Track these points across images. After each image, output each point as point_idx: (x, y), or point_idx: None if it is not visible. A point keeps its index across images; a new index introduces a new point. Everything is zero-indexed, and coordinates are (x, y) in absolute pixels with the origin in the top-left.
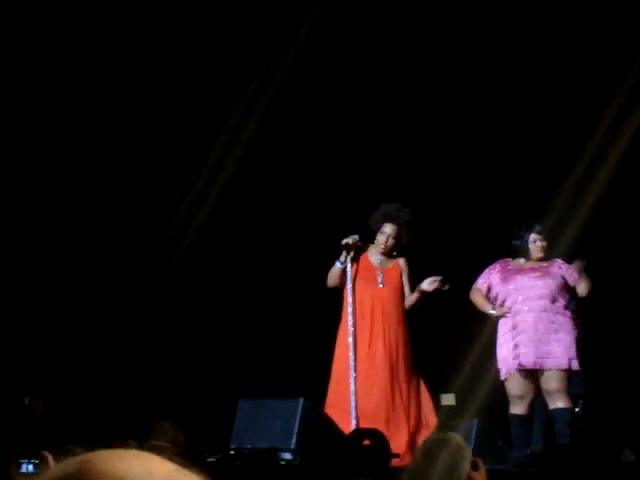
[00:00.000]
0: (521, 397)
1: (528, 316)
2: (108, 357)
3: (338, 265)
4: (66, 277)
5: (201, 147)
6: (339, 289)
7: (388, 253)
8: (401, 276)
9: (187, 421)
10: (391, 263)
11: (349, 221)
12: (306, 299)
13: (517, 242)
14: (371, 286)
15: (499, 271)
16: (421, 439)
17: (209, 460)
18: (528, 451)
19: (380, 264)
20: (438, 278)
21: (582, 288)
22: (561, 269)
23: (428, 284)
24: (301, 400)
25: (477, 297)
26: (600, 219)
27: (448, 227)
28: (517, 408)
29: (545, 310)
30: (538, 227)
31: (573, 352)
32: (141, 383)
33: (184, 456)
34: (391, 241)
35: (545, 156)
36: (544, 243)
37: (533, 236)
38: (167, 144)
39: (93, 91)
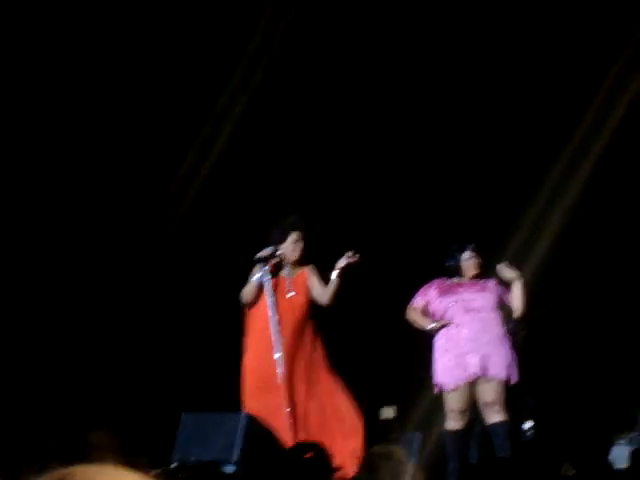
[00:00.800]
0: (462, 411)
1: (471, 327)
2: (46, 368)
3: (254, 280)
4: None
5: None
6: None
7: (297, 262)
8: (307, 281)
9: (129, 434)
10: (297, 272)
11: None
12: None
13: (451, 262)
14: (281, 296)
15: (436, 288)
16: (352, 446)
17: (151, 473)
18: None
19: (289, 274)
20: (348, 253)
21: (517, 305)
22: (496, 286)
23: (341, 262)
24: (244, 413)
25: (413, 315)
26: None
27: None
28: (456, 423)
29: (488, 322)
30: (471, 245)
31: (513, 365)
32: (83, 396)
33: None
34: (301, 246)
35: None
36: (478, 260)
37: (466, 254)
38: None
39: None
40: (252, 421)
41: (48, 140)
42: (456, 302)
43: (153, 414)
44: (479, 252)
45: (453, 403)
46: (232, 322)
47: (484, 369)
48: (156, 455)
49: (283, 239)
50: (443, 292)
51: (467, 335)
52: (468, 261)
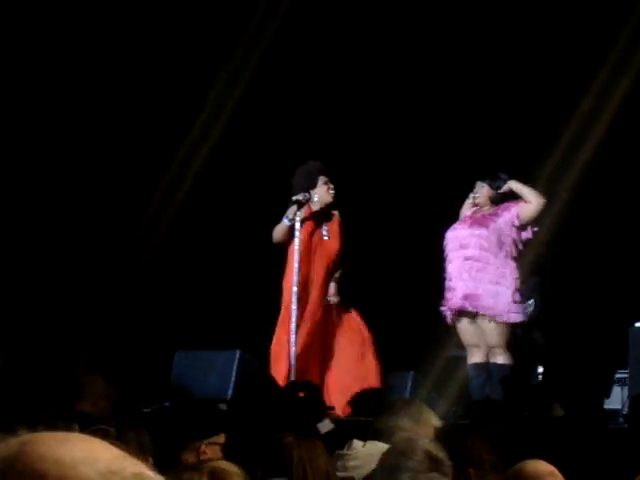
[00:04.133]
0: (475, 345)
1: (454, 265)
2: (43, 304)
3: (286, 222)
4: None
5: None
6: (281, 246)
7: (330, 205)
8: (341, 227)
9: (124, 372)
10: (331, 216)
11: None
12: (246, 254)
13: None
14: (318, 239)
15: (463, 217)
16: (347, 386)
17: (145, 411)
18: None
19: (325, 218)
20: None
21: (528, 204)
22: (506, 213)
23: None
24: (238, 352)
25: None
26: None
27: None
28: (473, 357)
29: (470, 259)
30: (486, 178)
31: (507, 305)
32: (80, 333)
33: (116, 410)
34: (332, 190)
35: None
36: (482, 190)
37: (477, 184)
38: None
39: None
40: (246, 359)
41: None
42: (451, 238)
43: (147, 352)
44: (491, 184)
45: (464, 339)
46: (232, 263)
47: (476, 305)
48: (150, 393)
49: (313, 184)
50: (459, 223)
51: (454, 272)
52: (476, 191)
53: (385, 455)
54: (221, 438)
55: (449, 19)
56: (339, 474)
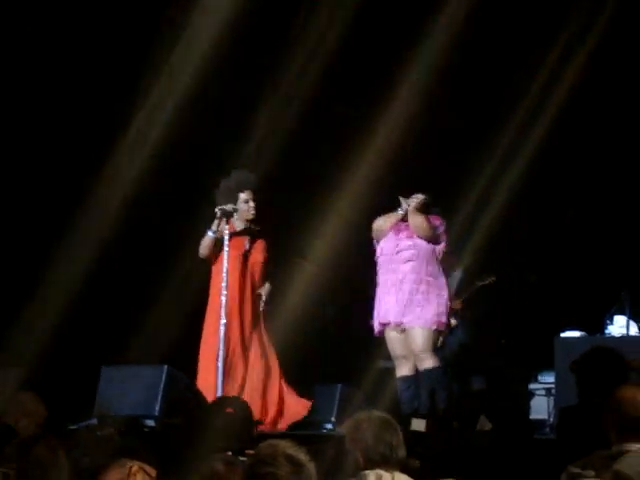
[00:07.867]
0: (403, 357)
1: (393, 274)
2: None
3: (210, 234)
4: None
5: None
6: (208, 260)
7: (253, 220)
8: (266, 242)
9: (50, 389)
10: (255, 231)
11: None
12: (172, 269)
13: None
14: (241, 254)
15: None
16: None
17: (71, 428)
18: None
19: (247, 231)
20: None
21: (415, 228)
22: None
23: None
24: (165, 367)
25: None
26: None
27: None
28: (401, 369)
29: (410, 268)
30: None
31: (435, 313)
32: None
33: (44, 427)
34: (253, 205)
35: None
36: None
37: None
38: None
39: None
40: (174, 375)
41: None
42: (386, 248)
43: (73, 367)
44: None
45: (393, 349)
46: (159, 277)
47: (406, 316)
48: (76, 410)
49: (233, 200)
50: (393, 232)
51: (388, 281)
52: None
53: (247, 464)
54: (153, 471)
55: None
56: None
